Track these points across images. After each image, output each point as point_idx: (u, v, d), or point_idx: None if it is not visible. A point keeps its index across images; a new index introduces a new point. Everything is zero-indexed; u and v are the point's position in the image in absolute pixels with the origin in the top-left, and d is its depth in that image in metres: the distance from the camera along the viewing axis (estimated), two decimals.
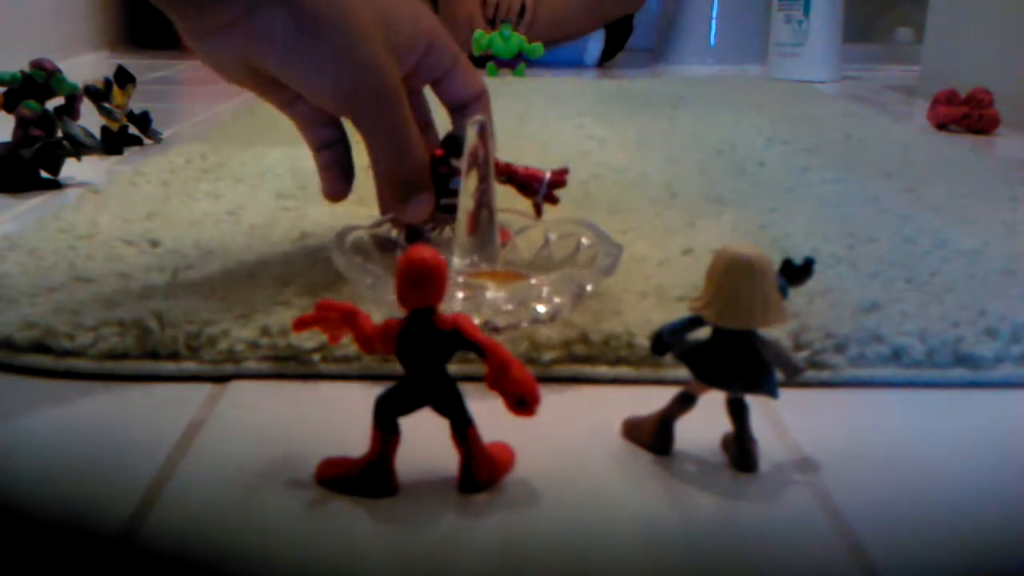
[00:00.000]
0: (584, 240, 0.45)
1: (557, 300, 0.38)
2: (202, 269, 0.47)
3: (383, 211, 0.48)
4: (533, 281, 0.37)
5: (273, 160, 0.74)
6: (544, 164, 0.76)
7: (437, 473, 0.31)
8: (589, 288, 0.39)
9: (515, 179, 0.49)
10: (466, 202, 0.42)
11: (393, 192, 0.44)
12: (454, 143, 0.44)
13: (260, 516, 0.29)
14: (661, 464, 0.32)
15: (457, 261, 0.43)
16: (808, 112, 1.08)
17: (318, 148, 0.48)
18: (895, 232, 0.56)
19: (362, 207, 0.55)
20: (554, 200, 0.49)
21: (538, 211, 0.49)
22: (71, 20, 1.63)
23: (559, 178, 0.49)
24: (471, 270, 0.43)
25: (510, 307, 0.37)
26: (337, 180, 0.48)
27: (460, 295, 0.37)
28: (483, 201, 0.42)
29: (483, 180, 0.42)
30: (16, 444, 0.33)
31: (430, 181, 0.44)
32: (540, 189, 0.48)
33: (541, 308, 0.38)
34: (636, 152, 0.83)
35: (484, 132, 0.41)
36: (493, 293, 0.36)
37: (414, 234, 0.45)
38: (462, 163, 0.42)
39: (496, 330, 0.38)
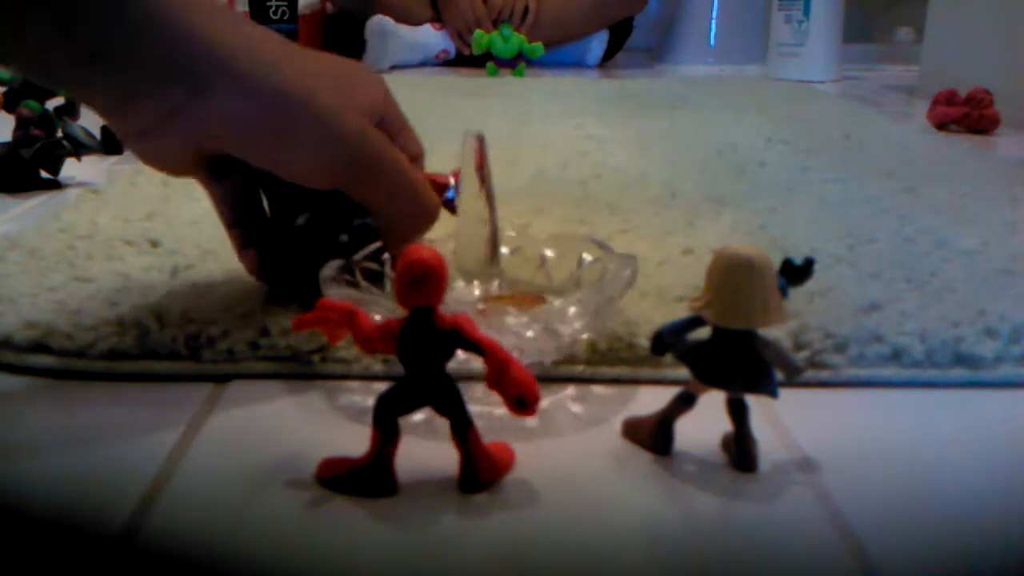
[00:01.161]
0: (586, 255, 0.42)
1: (581, 322, 0.36)
2: (202, 269, 0.47)
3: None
4: (556, 303, 0.35)
5: None
6: (544, 164, 0.76)
7: (437, 473, 0.31)
8: (613, 301, 0.36)
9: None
10: (471, 218, 0.41)
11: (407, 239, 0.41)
12: None
13: (260, 516, 0.29)
14: (661, 464, 0.32)
15: (462, 284, 0.41)
16: (808, 112, 1.08)
17: (229, 225, 0.44)
18: (895, 232, 0.56)
19: None
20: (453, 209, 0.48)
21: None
22: None
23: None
24: (487, 295, 0.41)
25: (532, 334, 0.35)
26: (254, 261, 0.44)
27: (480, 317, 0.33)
28: (489, 218, 0.41)
29: (488, 195, 0.40)
30: (16, 444, 0.33)
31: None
32: (448, 194, 0.47)
33: (565, 330, 0.36)
34: (636, 152, 0.83)
35: (483, 144, 0.40)
36: (515, 318, 0.34)
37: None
38: (463, 180, 0.41)
39: None
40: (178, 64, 0.36)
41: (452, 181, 0.46)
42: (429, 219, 0.41)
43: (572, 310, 0.35)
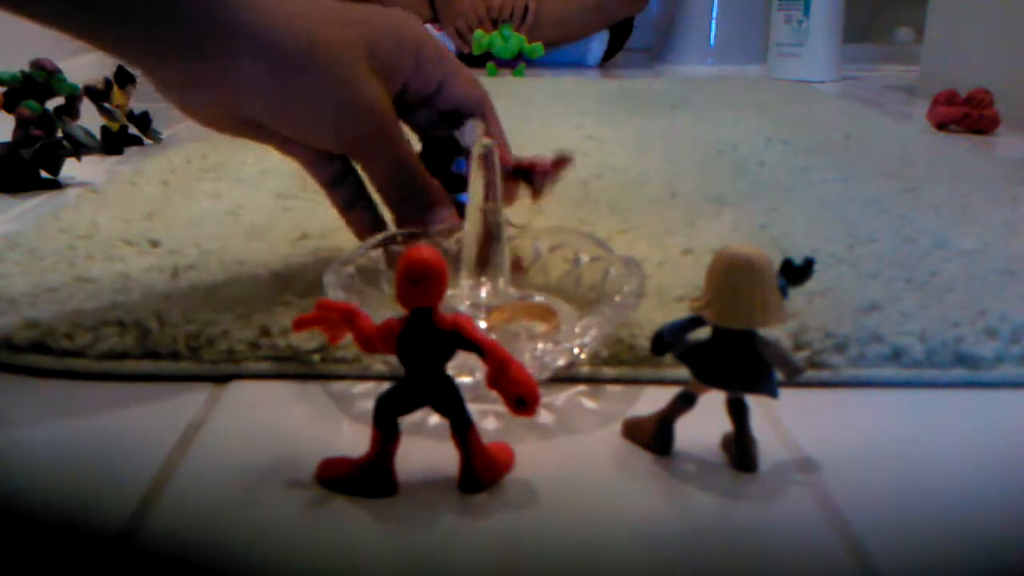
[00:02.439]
0: (583, 255, 0.43)
1: (597, 340, 0.36)
2: (202, 269, 0.47)
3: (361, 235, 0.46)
4: (577, 328, 0.35)
5: (273, 160, 0.74)
6: None
7: (437, 473, 0.31)
8: (627, 315, 0.37)
9: (521, 171, 0.48)
10: (474, 220, 0.41)
11: (407, 211, 0.44)
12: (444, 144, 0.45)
13: (260, 516, 0.29)
14: (661, 464, 0.32)
15: (465, 282, 0.41)
16: (808, 112, 1.08)
17: (327, 184, 0.46)
18: (895, 232, 0.56)
19: None
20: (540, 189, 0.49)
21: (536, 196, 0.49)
22: None
23: (562, 164, 0.49)
24: (493, 302, 0.41)
25: (550, 359, 0.35)
26: (364, 221, 0.46)
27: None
28: (490, 220, 0.41)
29: (490, 198, 0.41)
30: (16, 444, 0.33)
31: (443, 194, 0.44)
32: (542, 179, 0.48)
33: (575, 350, 0.36)
34: (636, 152, 0.83)
35: (490, 153, 0.40)
36: (534, 341, 0.34)
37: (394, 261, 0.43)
38: (472, 177, 0.41)
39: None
40: (202, 35, 0.37)
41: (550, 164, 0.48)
42: (417, 193, 0.43)
43: (593, 332, 0.35)
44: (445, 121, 0.47)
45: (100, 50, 0.37)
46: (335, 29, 0.40)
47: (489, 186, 0.40)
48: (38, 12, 0.36)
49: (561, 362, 0.36)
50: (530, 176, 0.49)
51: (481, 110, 0.46)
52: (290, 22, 0.39)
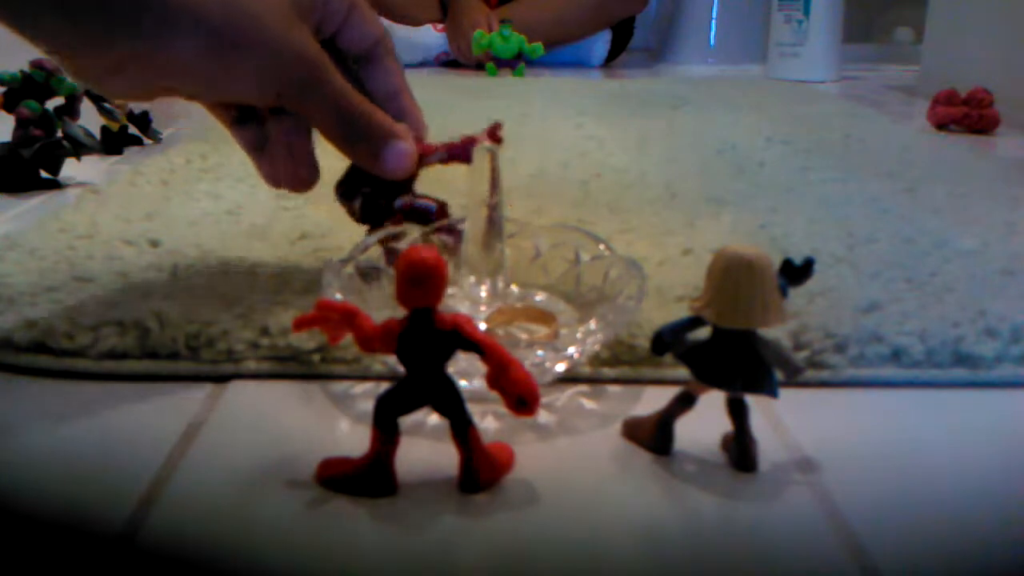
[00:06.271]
0: (583, 253, 0.43)
1: (593, 346, 0.36)
2: (202, 269, 0.47)
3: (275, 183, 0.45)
4: (578, 335, 0.35)
5: None
6: (544, 164, 0.76)
7: (437, 473, 0.31)
8: (624, 320, 0.37)
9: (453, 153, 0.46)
10: (477, 218, 0.41)
11: (360, 155, 0.42)
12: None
13: (260, 516, 0.29)
14: (661, 464, 0.32)
15: (465, 282, 0.42)
16: (808, 112, 1.08)
17: (232, 123, 0.45)
18: (895, 232, 0.56)
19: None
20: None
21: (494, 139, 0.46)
22: None
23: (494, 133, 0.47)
24: (493, 302, 0.41)
25: (550, 365, 0.35)
26: (274, 163, 0.45)
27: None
28: (491, 218, 0.41)
29: (492, 196, 0.41)
30: (16, 444, 0.33)
31: (396, 127, 0.43)
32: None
33: (575, 355, 0.36)
34: (636, 152, 0.83)
35: (495, 157, 0.40)
36: (538, 351, 0.34)
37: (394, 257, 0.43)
38: (473, 175, 0.41)
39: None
40: (124, 16, 0.35)
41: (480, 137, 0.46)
42: (366, 129, 0.42)
43: (593, 339, 0.35)
44: (344, 62, 0.45)
45: (17, 34, 0.35)
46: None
47: (490, 186, 0.40)
48: None
49: (561, 368, 0.36)
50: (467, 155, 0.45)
51: (380, 51, 0.45)
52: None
